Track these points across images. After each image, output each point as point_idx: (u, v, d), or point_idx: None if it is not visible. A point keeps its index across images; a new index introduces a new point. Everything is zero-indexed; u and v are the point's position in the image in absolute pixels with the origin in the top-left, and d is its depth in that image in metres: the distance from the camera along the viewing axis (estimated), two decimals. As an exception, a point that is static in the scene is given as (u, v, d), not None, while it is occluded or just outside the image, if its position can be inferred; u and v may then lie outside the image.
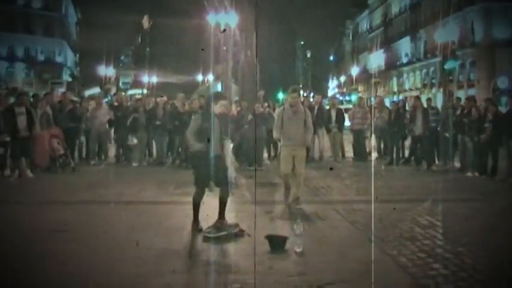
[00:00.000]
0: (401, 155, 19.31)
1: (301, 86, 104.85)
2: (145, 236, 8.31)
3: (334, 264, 7.44)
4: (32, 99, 17.48)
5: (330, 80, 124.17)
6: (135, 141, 18.00)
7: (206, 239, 8.44)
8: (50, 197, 12.35)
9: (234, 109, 18.73)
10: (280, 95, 65.63)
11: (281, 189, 12.79)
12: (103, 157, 18.67)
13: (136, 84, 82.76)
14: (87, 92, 55.39)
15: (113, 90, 61.37)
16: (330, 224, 9.93)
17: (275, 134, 11.72)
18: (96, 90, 59.17)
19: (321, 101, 21.77)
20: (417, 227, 9.59)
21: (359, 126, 20.34)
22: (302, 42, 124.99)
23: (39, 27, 72.37)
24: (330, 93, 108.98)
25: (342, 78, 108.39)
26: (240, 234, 8.61)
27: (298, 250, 7.98)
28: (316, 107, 20.27)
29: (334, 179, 15.68)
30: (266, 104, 20.29)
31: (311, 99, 24.93)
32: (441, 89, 49.84)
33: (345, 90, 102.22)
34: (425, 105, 19.22)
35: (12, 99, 17.39)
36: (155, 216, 10.00)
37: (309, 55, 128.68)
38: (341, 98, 76.87)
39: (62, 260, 7.49)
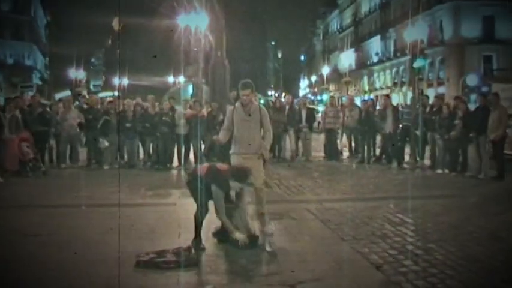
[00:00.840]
0: (372, 154, 19.46)
1: (272, 85, 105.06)
2: (117, 238, 8.26)
3: (306, 263, 7.47)
4: (2, 103, 17.31)
5: (301, 80, 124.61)
6: (106, 143, 17.87)
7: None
8: (21, 201, 12.23)
9: (205, 110, 18.74)
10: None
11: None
12: (74, 160, 18.53)
13: (107, 86, 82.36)
14: (58, 95, 54.94)
15: (84, 93, 61.00)
16: (301, 223, 9.97)
17: (221, 138, 9.32)
18: (66, 93, 58.75)
19: (292, 101, 21.87)
20: (388, 225, 9.66)
21: (331, 125, 20.44)
22: (273, 43, 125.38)
23: (7, 30, 71.60)
24: (301, 93, 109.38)
25: (313, 78, 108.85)
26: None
27: (269, 249, 8.01)
28: (287, 107, 20.38)
29: (306, 178, 15.72)
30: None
31: (282, 99, 24.91)
32: (411, 88, 50.26)
33: (316, 90, 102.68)
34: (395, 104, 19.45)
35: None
36: (127, 219, 9.94)
37: (280, 55, 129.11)
38: (312, 97, 77.20)
39: (33, 264, 7.45)
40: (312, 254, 7.96)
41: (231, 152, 9.21)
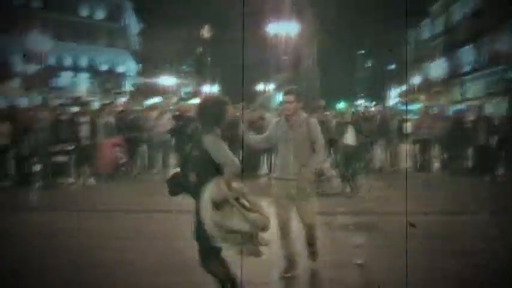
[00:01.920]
0: (464, 165, 18.94)
1: (361, 95, 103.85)
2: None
3: (397, 275, 7.32)
4: (96, 109, 17.80)
5: (391, 89, 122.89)
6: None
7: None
8: (112, 205, 12.50)
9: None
10: (341, 105, 65.20)
11: (342, 199, 12.71)
12: (164, 166, 18.83)
13: (198, 93, 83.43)
14: (149, 102, 56.05)
15: (174, 100, 62.01)
16: (391, 235, 9.76)
17: (253, 139, 7.93)
18: (157, 99, 59.87)
19: (382, 110, 21.59)
20: (480, 240, 9.36)
21: (424, 136, 20.00)
22: (363, 51, 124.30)
23: (102, 38, 73.74)
24: (391, 102, 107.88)
25: (403, 88, 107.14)
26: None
27: (359, 262, 7.89)
28: (378, 117, 20.14)
29: (395, 189, 15.43)
30: (326, 113, 20.18)
31: (372, 109, 24.65)
32: (505, 98, 48.74)
33: (406, 99, 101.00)
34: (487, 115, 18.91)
35: (76, 109, 17.75)
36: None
37: (369, 64, 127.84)
38: (402, 107, 76.02)
39: (119, 268, 7.57)
40: (401, 265, 7.79)
41: (273, 175, 7.65)
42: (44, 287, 7.03)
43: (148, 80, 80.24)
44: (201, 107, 5.93)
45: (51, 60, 64.61)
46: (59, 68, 67.15)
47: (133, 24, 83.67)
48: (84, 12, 73.18)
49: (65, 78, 69.62)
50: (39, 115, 16.48)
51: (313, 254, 7.62)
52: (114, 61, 75.73)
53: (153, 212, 11.69)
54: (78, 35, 68.95)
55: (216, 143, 5.55)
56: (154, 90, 72.57)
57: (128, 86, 74.70)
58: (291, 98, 7.38)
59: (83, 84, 70.03)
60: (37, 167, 15.75)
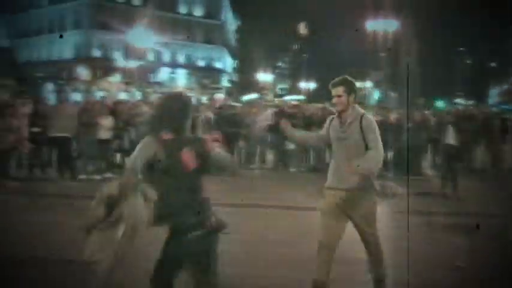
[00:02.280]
0: None
1: (461, 93, 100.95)
2: (302, 241, 8.28)
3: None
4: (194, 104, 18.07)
5: (493, 87, 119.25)
6: (292, 146, 18.10)
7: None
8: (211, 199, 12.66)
9: (393, 116, 18.47)
10: (441, 103, 63.89)
11: (438, 198, 12.45)
12: (261, 161, 18.96)
13: (294, 90, 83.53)
14: (245, 98, 56.59)
15: (270, 96, 62.34)
16: (492, 237, 9.46)
17: (299, 135, 6.91)
18: (253, 95, 60.35)
19: (483, 109, 21.00)
20: None
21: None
22: (463, 48, 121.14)
23: (200, 34, 74.97)
24: (492, 101, 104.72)
25: (505, 86, 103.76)
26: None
27: (461, 265, 7.70)
28: (479, 116, 19.59)
29: (496, 191, 14.95)
30: (425, 112, 19.85)
31: (473, 107, 24.01)
32: None
33: (509, 98, 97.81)
34: None
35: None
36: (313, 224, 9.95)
37: (470, 61, 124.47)
38: (505, 106, 73.69)
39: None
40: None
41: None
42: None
43: (244, 76, 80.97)
44: (161, 105, 4.82)
45: (151, 56, 66.05)
46: (158, 63, 68.62)
47: (230, 21, 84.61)
48: (183, 9, 74.49)
49: (163, 73, 71.04)
50: (138, 110, 16.88)
51: (378, 262, 6.20)
52: (211, 57, 76.71)
53: (250, 207, 11.77)
54: (177, 32, 70.19)
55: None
56: (250, 86, 73.22)
57: (224, 82, 75.57)
58: (340, 90, 6.02)
59: (180, 79, 71.32)
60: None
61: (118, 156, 16.98)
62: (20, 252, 7.90)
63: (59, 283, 6.85)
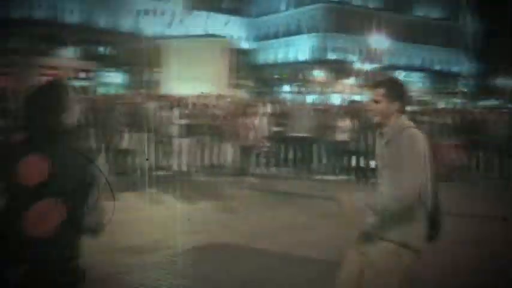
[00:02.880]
0: None
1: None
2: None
3: None
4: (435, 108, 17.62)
5: None
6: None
7: None
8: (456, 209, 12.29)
9: None
10: None
11: None
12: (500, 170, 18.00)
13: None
14: (484, 103, 54.23)
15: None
16: None
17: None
18: (493, 101, 57.69)
19: None
20: None
21: None
22: None
23: (436, 37, 73.32)
24: None
25: None
26: None
27: None
28: None
29: None
30: None
31: None
32: None
33: None
34: None
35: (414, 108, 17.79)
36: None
37: None
38: None
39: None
40: None
41: None
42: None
43: (484, 81, 77.66)
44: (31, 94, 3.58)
45: (386, 59, 65.88)
46: (393, 66, 68.23)
47: (469, 23, 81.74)
48: (419, 11, 73.43)
49: (398, 77, 70.41)
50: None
51: None
52: (448, 61, 74.76)
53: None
54: (413, 34, 69.33)
55: None
56: (489, 91, 69.87)
57: (461, 86, 73.26)
58: (379, 93, 4.48)
59: (416, 83, 70.30)
60: (373, 164, 15.99)
61: (353, 158, 17.04)
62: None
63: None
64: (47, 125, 3.40)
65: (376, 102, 4.46)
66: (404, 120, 4.46)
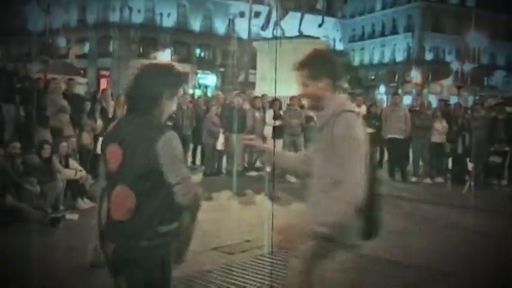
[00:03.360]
0: None
1: None
2: None
3: None
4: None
5: None
6: None
7: None
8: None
9: None
10: None
11: None
12: None
13: None
14: None
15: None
16: None
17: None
18: None
19: None
20: None
21: None
22: None
23: (500, 31, 70.46)
24: None
25: None
26: None
27: None
28: None
29: None
30: None
31: None
32: None
33: None
34: None
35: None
36: None
37: None
38: None
39: None
40: None
41: None
42: None
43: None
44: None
45: (485, 59, 64.24)
46: (493, 66, 66.44)
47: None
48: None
49: (498, 77, 68.63)
50: (474, 114, 16.43)
51: None
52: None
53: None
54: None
55: None
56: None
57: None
58: (304, 74, 3.88)
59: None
60: (471, 165, 15.63)
61: (450, 160, 16.71)
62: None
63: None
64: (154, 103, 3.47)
65: (304, 85, 3.86)
66: (344, 100, 3.88)
